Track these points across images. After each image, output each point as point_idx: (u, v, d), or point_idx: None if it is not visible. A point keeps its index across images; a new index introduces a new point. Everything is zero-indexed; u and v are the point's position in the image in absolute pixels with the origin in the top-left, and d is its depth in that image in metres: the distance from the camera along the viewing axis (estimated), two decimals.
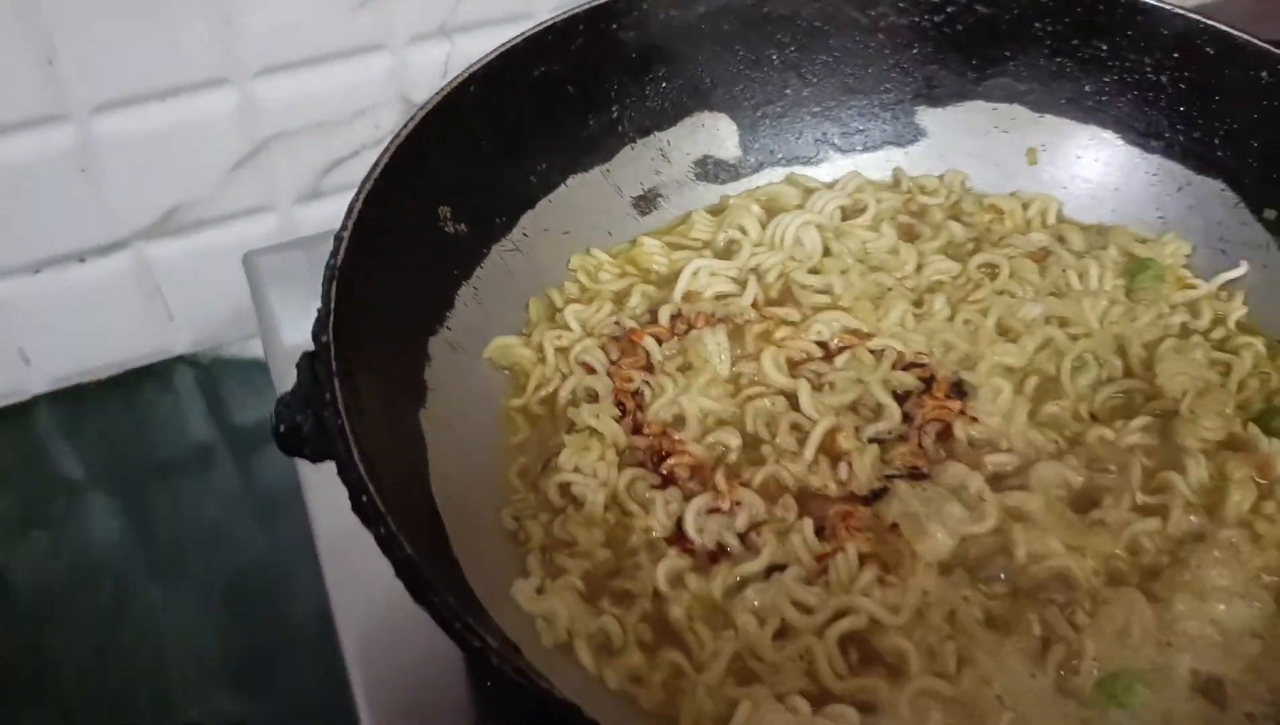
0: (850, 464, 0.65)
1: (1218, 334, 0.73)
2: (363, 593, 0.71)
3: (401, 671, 0.69)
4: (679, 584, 0.61)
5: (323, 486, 0.74)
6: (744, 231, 0.78)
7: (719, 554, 0.63)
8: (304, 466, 0.80)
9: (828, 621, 0.58)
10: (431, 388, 0.66)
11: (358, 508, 0.50)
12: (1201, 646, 0.57)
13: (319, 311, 0.57)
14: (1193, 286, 0.75)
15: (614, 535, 0.64)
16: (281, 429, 0.56)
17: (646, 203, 0.81)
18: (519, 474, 0.67)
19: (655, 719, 0.57)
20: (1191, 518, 0.62)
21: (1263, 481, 0.63)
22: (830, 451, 0.66)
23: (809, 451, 0.65)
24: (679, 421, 0.68)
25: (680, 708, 0.57)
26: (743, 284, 0.75)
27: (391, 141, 0.66)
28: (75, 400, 1.11)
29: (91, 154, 0.97)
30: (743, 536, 0.63)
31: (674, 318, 0.74)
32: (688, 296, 0.75)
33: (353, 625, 0.71)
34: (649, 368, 0.71)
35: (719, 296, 0.75)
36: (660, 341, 0.72)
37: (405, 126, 0.67)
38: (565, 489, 0.66)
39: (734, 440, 0.67)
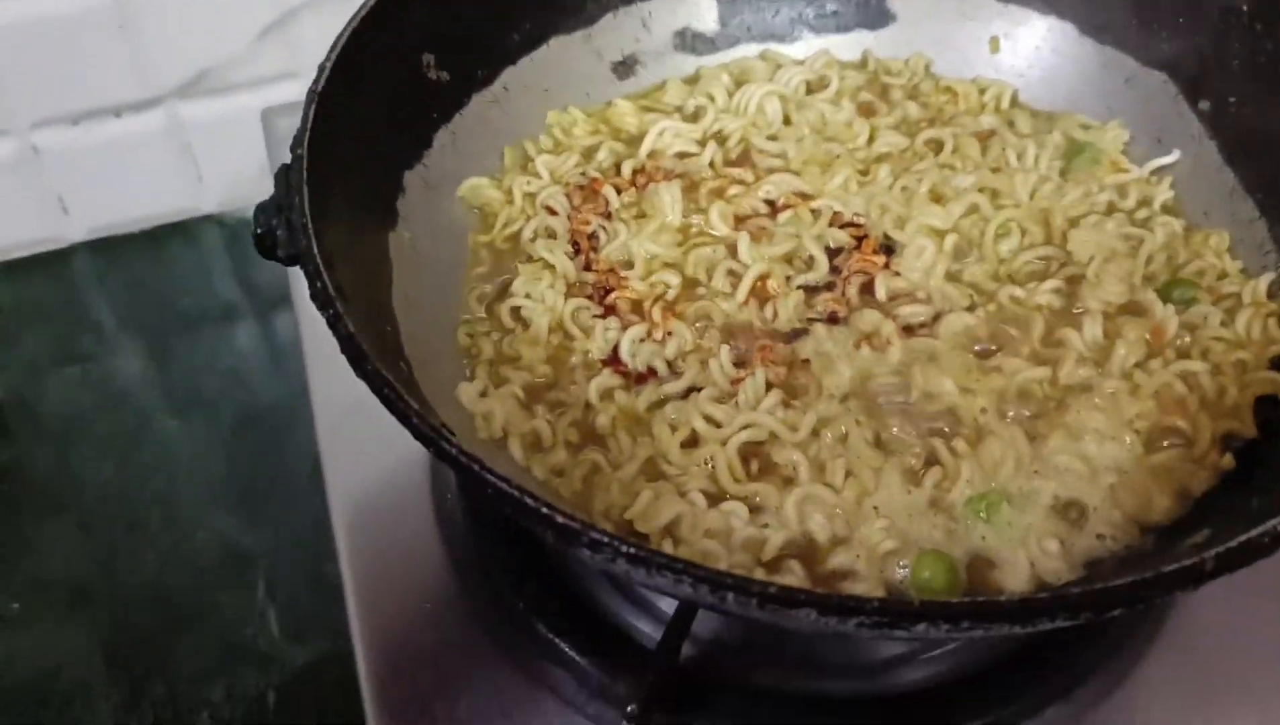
0: (775, 306, 0.71)
1: (1141, 214, 0.77)
2: (349, 441, 0.79)
3: (378, 508, 0.76)
4: (608, 398, 0.68)
5: (320, 344, 0.81)
6: (711, 99, 0.83)
7: (647, 376, 0.69)
8: (307, 325, 0.87)
9: (732, 434, 0.65)
10: (403, 216, 0.72)
11: (314, 294, 0.57)
12: (1068, 477, 0.63)
13: (297, 130, 0.63)
14: (1125, 171, 0.79)
15: (555, 355, 0.70)
16: (259, 231, 0.62)
17: (625, 69, 0.86)
18: (478, 299, 0.74)
19: (572, 506, 0.63)
20: (1082, 371, 0.67)
21: (1155, 343, 0.68)
22: (760, 295, 0.72)
23: (741, 292, 0.71)
24: (627, 262, 0.74)
25: (594, 498, 0.64)
26: (704, 145, 0.81)
27: None
28: (109, 250, 1.18)
29: (130, 12, 1.02)
30: (670, 363, 0.69)
31: (636, 172, 0.79)
32: (652, 154, 0.80)
33: (337, 468, 0.79)
34: (607, 215, 0.77)
35: (681, 155, 0.80)
36: (620, 191, 0.78)
37: None
38: (516, 312, 0.72)
39: (674, 280, 0.73)
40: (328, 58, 0.66)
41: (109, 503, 1.00)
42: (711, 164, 0.79)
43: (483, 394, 0.67)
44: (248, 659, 0.90)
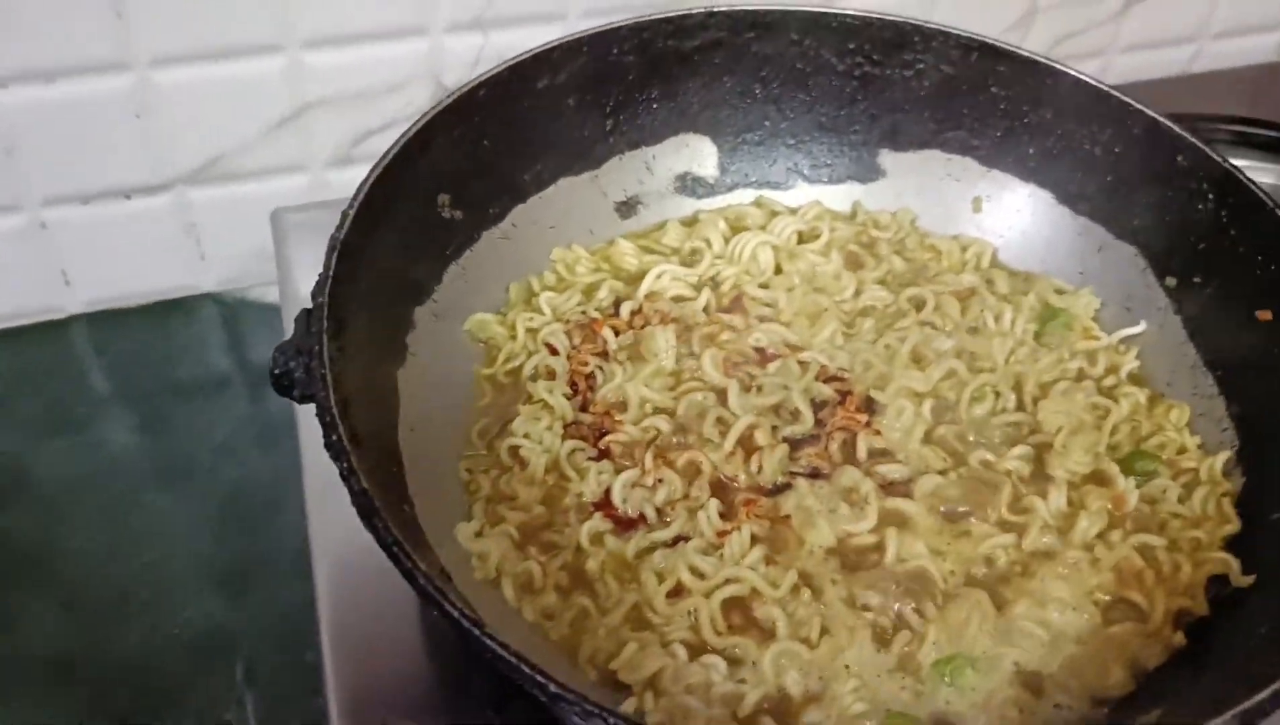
0: (761, 460, 0.74)
1: (1109, 382, 0.82)
2: (339, 525, 0.79)
3: (363, 600, 0.77)
4: (598, 542, 0.71)
5: (314, 427, 0.84)
6: (708, 244, 0.87)
7: (637, 521, 0.73)
8: (300, 407, 0.90)
9: (716, 587, 0.68)
10: (412, 351, 0.75)
11: (328, 444, 0.60)
12: (1030, 644, 0.67)
13: (320, 275, 0.67)
14: (1095, 338, 0.83)
15: (550, 495, 0.74)
16: (276, 372, 0.65)
17: (628, 208, 0.90)
18: (479, 433, 0.77)
19: (559, 650, 0.67)
20: (1045, 538, 0.71)
21: (1116, 513, 0.72)
22: (747, 445, 0.76)
23: (728, 443, 0.75)
24: (621, 404, 0.78)
25: (580, 643, 0.67)
26: (699, 290, 0.85)
27: (404, 134, 0.74)
28: (108, 322, 1.20)
29: (147, 101, 1.05)
30: (660, 510, 0.73)
31: (634, 313, 0.83)
32: (650, 296, 0.84)
33: (326, 552, 0.80)
34: (605, 355, 0.81)
35: (677, 298, 0.85)
36: (617, 332, 0.82)
37: (417, 122, 0.76)
38: (515, 451, 0.76)
39: (665, 425, 0.77)
40: (350, 205, 0.70)
41: (95, 577, 1.00)
42: (705, 308, 0.83)
43: (479, 533, 0.70)
44: None
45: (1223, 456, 0.76)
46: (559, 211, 0.87)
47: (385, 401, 0.71)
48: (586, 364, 0.79)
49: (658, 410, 0.78)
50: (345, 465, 0.58)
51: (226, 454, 1.10)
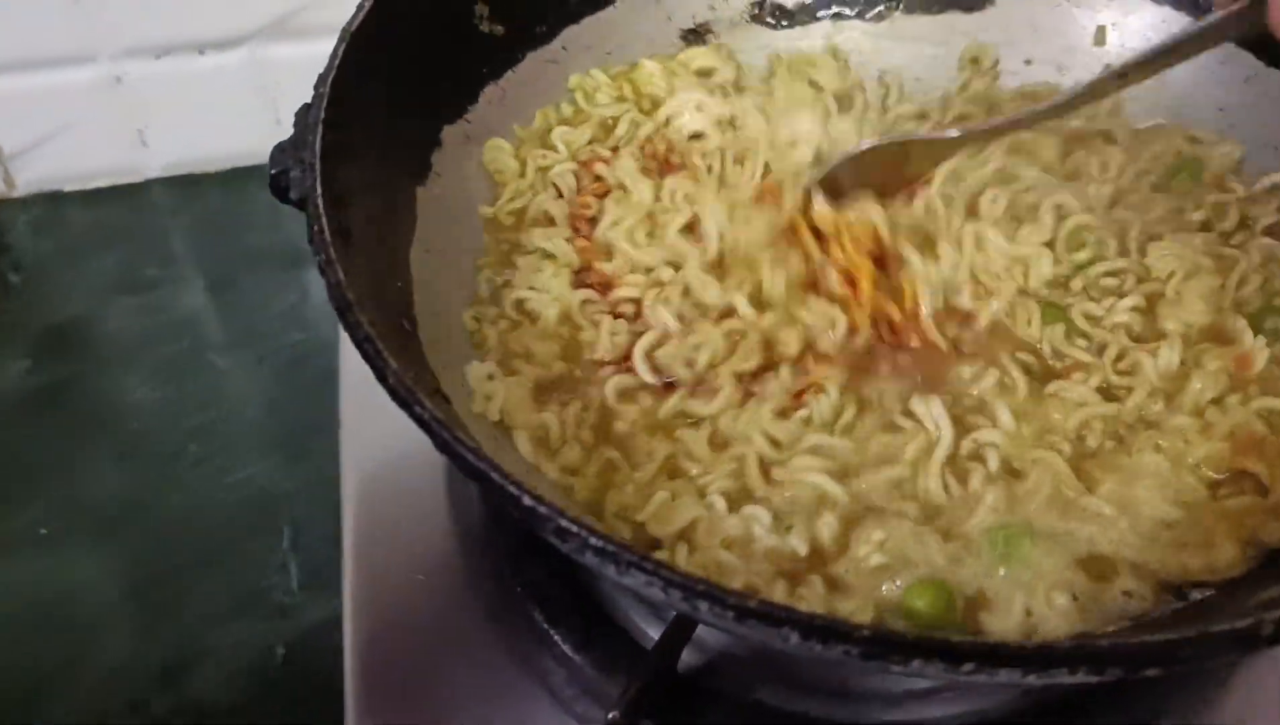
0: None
1: (1239, 238, 0.69)
2: (370, 397, 0.75)
3: (387, 468, 0.74)
4: (628, 399, 0.63)
5: None
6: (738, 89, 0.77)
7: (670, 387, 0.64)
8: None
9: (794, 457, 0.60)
10: (436, 171, 0.69)
11: (310, 237, 0.54)
12: (1107, 523, 0.56)
13: (324, 69, 0.60)
14: (1231, 190, 0.71)
15: (568, 350, 0.66)
16: (273, 171, 0.60)
17: (696, 36, 0.81)
18: (485, 281, 0.70)
19: (585, 510, 0.59)
20: (1153, 405, 0.60)
21: (1238, 376, 0.61)
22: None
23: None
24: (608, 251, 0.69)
25: (607, 499, 0.59)
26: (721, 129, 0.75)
27: None
28: (184, 187, 1.19)
29: None
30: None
31: (645, 143, 0.74)
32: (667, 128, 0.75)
33: (355, 426, 0.77)
34: (605, 194, 0.72)
35: (694, 135, 0.75)
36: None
37: None
38: (521, 304, 0.68)
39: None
40: None
41: (151, 432, 1.00)
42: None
43: (490, 377, 0.63)
44: (262, 610, 0.90)
45: None
46: (617, 36, 0.78)
47: (399, 217, 0.64)
48: (589, 206, 0.71)
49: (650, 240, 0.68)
50: (322, 257, 0.52)
51: (289, 323, 1.09)
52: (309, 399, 1.03)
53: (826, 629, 0.41)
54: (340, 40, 0.61)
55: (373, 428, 0.76)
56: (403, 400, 0.47)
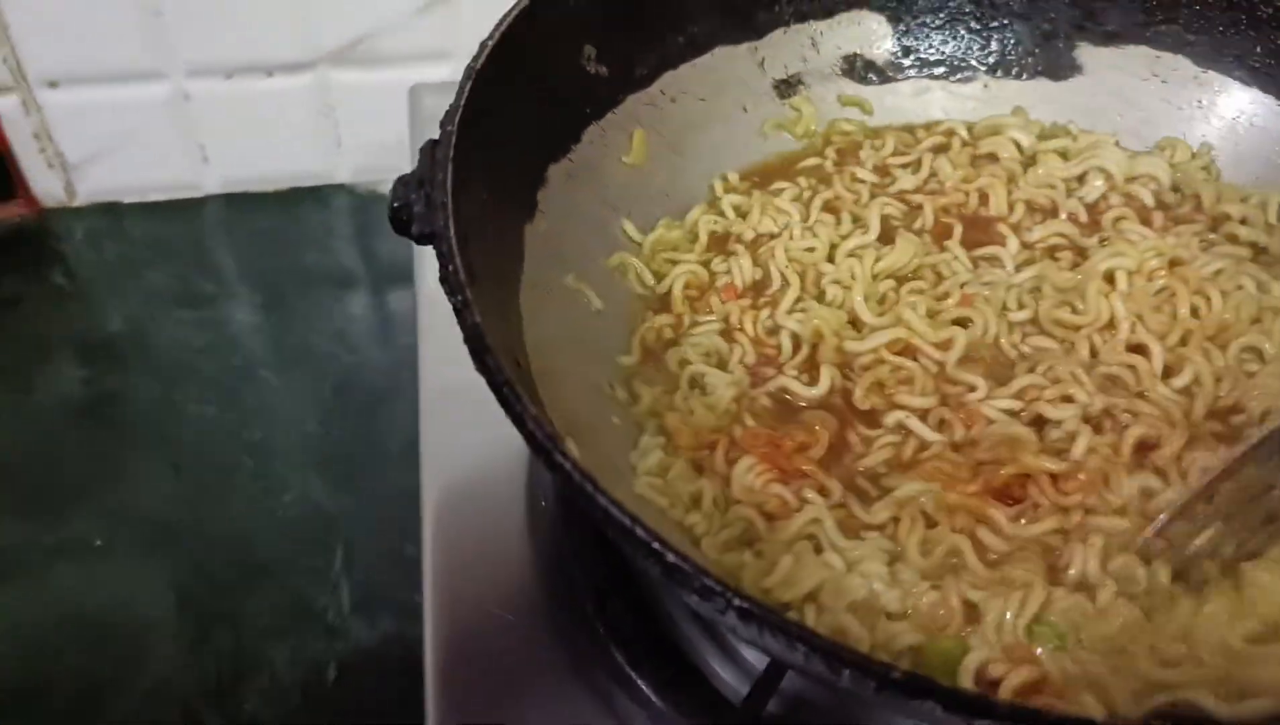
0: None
1: None
2: (451, 424, 0.77)
3: (467, 499, 0.74)
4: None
5: (435, 317, 0.81)
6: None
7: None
8: (425, 301, 0.86)
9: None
10: (541, 209, 0.69)
11: (443, 277, 0.55)
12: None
13: (450, 106, 0.61)
14: None
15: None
16: (395, 205, 0.60)
17: (787, 87, 0.82)
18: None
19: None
20: None
21: None
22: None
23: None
24: None
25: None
26: None
27: None
28: (242, 204, 1.21)
29: None
30: None
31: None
32: None
33: (436, 451, 0.76)
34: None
35: None
36: None
37: None
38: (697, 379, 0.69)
39: None
40: (491, 35, 0.64)
41: (204, 446, 1.02)
42: None
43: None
44: (315, 626, 0.90)
45: None
46: (711, 83, 0.79)
47: (509, 255, 0.65)
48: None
49: None
50: (460, 298, 0.52)
51: (343, 343, 1.10)
52: (359, 420, 1.05)
53: (969, 703, 0.41)
54: (465, 78, 0.62)
55: (454, 450, 0.76)
56: (541, 447, 0.47)
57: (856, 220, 0.76)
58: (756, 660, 0.63)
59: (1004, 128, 0.80)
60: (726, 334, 0.71)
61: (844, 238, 0.74)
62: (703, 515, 0.61)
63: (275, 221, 1.21)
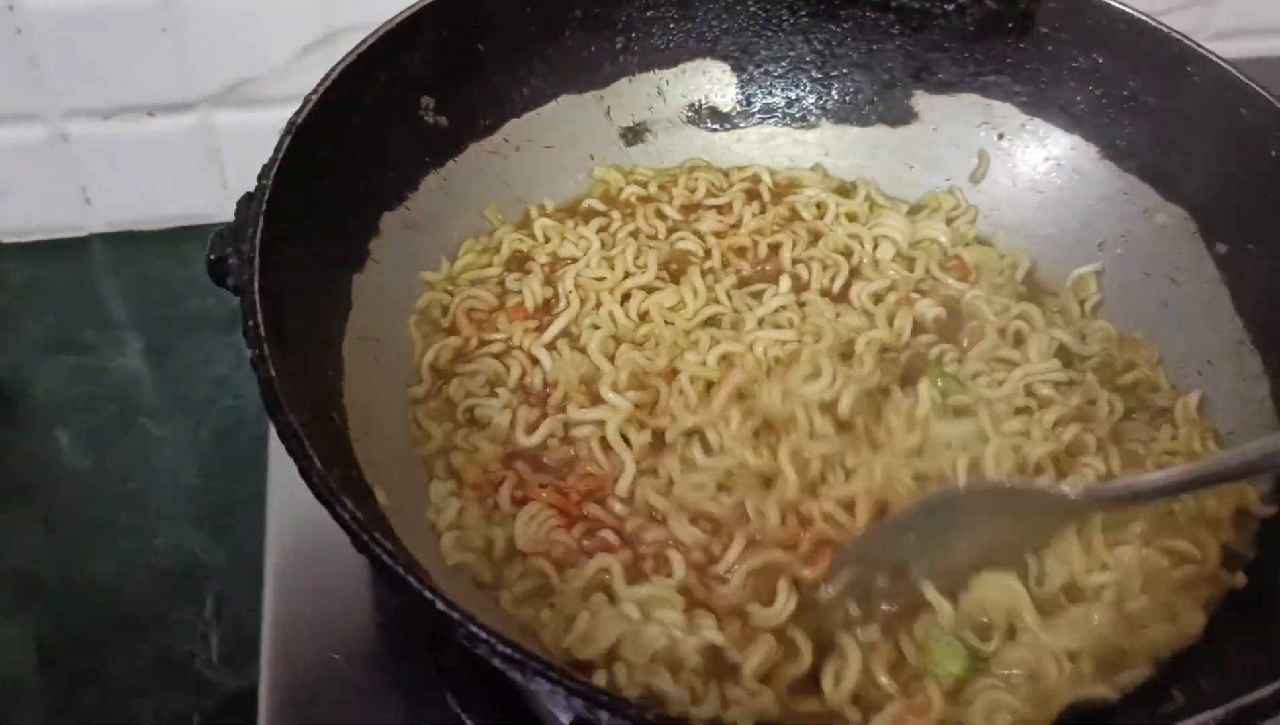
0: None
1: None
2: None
3: (311, 541, 0.75)
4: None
5: None
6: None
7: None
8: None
9: None
10: (374, 258, 0.70)
11: (245, 331, 0.55)
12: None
13: (268, 160, 0.62)
14: None
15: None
16: (211, 257, 0.61)
17: (634, 135, 0.84)
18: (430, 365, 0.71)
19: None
20: None
21: None
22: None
23: None
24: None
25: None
26: None
27: (384, 25, 0.70)
28: (126, 244, 1.19)
29: (176, 14, 1.02)
30: None
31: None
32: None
33: (280, 500, 0.78)
34: None
35: None
36: None
37: (402, 13, 0.71)
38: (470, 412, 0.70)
39: None
40: (315, 90, 0.65)
41: (79, 499, 0.99)
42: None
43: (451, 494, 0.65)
44: (183, 680, 0.89)
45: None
46: (558, 131, 0.81)
47: (333, 305, 0.66)
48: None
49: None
50: (256, 353, 0.53)
51: (225, 390, 1.09)
52: (240, 469, 1.03)
53: None
54: (286, 132, 0.62)
55: (300, 502, 0.75)
56: (325, 499, 0.48)
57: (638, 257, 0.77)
58: None
59: (802, 183, 0.83)
60: (505, 356, 0.71)
61: (627, 275, 0.76)
62: (493, 566, 0.62)
63: (160, 262, 1.19)
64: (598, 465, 0.65)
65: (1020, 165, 0.83)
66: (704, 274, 0.76)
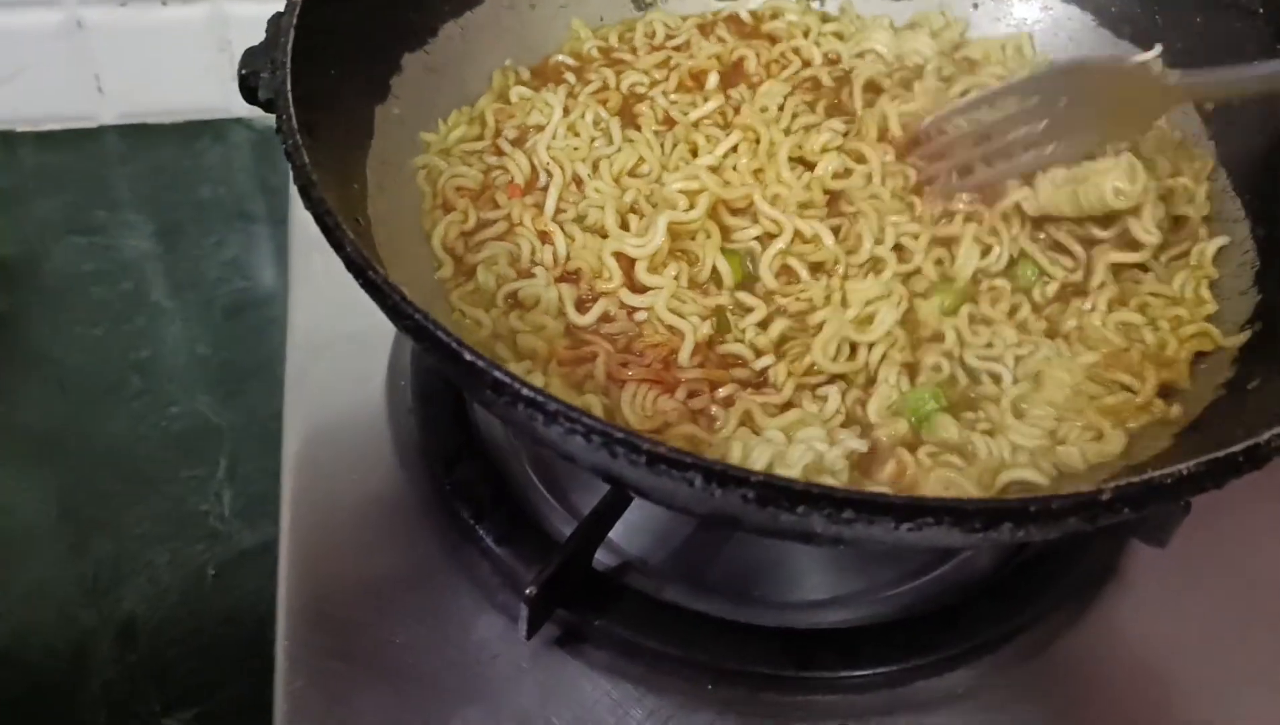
0: None
1: None
2: (318, 341, 0.81)
3: (329, 395, 0.78)
4: None
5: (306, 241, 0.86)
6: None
7: None
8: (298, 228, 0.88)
9: None
10: (395, 94, 0.73)
11: (279, 126, 0.58)
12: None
13: None
14: None
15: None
16: (243, 72, 0.64)
17: None
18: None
19: None
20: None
21: None
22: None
23: None
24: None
25: None
26: None
27: None
28: (138, 136, 1.21)
29: None
30: None
31: None
32: None
33: (300, 366, 0.80)
34: None
35: None
36: None
37: None
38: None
39: None
40: None
41: (92, 364, 1.02)
42: None
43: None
44: (196, 532, 0.91)
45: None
46: None
47: (358, 128, 0.68)
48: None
49: None
50: (291, 142, 0.56)
51: (234, 271, 1.11)
52: (250, 342, 1.06)
53: (725, 474, 0.46)
54: None
55: (318, 370, 0.79)
56: (358, 268, 0.51)
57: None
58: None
59: (784, 11, 0.85)
60: (508, 235, 0.72)
61: (592, 142, 0.76)
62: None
63: (172, 153, 1.22)
64: (662, 335, 0.67)
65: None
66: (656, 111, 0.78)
